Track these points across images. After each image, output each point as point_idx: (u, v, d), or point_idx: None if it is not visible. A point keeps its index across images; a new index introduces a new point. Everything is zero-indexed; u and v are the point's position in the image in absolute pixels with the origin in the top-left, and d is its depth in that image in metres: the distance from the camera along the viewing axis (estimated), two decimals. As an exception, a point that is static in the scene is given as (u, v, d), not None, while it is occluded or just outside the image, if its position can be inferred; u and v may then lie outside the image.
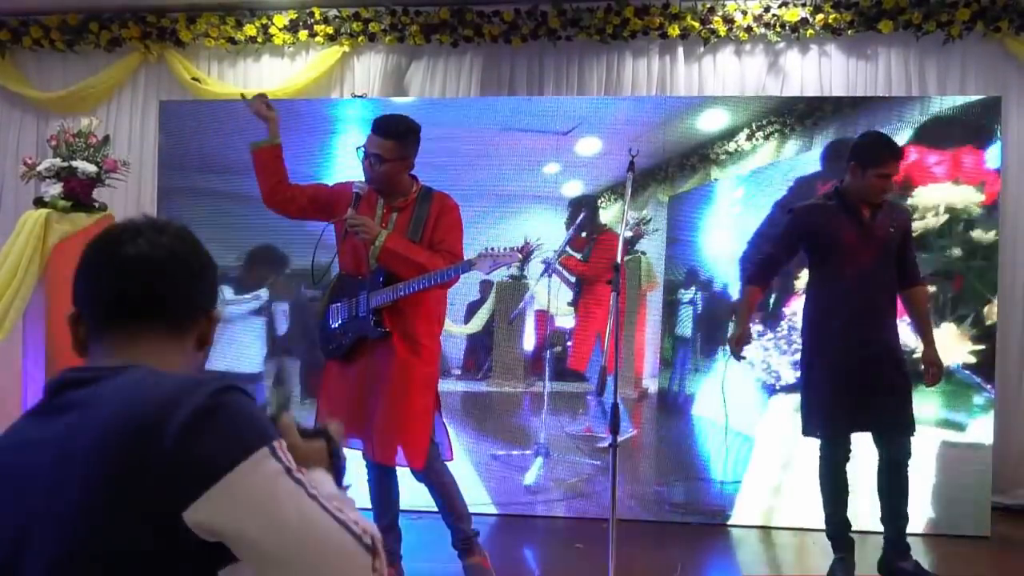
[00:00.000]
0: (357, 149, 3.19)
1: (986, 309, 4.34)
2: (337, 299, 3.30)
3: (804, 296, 3.65)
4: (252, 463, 1.03)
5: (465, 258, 3.10)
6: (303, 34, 5.43)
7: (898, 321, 3.55)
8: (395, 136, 3.13)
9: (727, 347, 3.72)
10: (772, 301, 4.48)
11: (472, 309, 4.76)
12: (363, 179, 3.19)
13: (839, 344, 3.41)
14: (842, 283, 3.42)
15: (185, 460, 1.01)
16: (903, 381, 3.47)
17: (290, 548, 1.03)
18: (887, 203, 3.51)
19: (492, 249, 3.02)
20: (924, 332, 3.62)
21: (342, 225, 3.15)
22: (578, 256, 4.66)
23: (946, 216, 4.36)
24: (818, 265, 3.52)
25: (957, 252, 4.35)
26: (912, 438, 3.48)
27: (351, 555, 1.08)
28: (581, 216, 4.60)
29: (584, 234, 4.63)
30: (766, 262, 3.61)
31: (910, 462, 3.49)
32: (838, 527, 3.54)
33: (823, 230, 3.44)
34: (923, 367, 3.58)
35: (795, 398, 4.42)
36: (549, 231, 4.63)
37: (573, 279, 4.66)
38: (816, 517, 4.34)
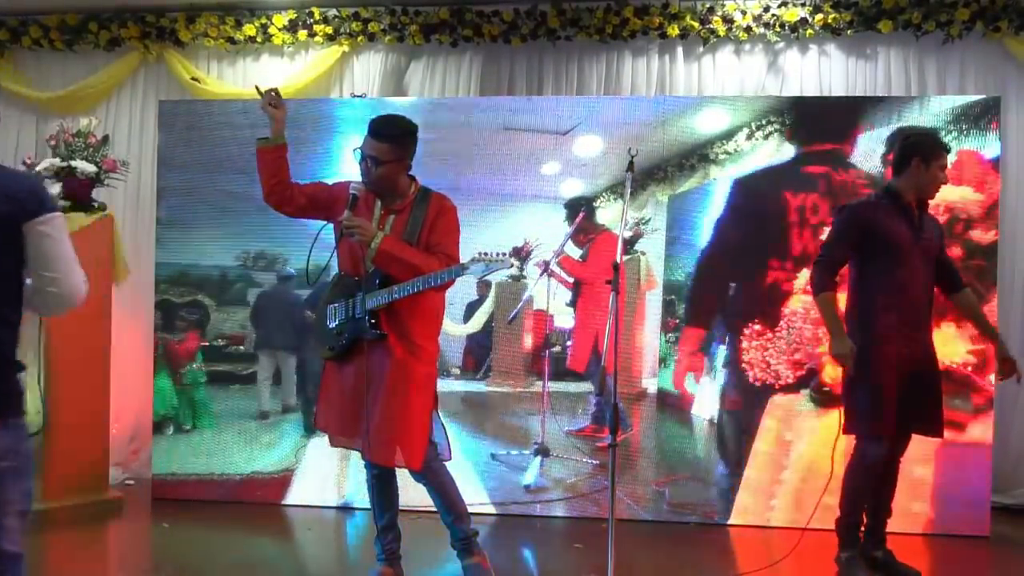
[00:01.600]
0: (354, 151, 3.16)
1: (985, 309, 4.34)
2: (335, 300, 3.28)
3: (855, 292, 3.55)
4: (60, 216, 2.15)
5: (460, 261, 3.07)
6: (302, 34, 5.44)
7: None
8: (391, 138, 3.10)
9: (834, 363, 3.63)
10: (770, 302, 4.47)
11: (471, 309, 4.76)
12: (360, 180, 3.17)
13: (897, 341, 3.43)
14: (897, 280, 3.45)
15: (32, 207, 2.08)
16: (941, 382, 3.60)
17: (60, 267, 2.12)
18: (927, 208, 3.61)
19: (485, 253, 2.96)
20: (989, 330, 3.77)
21: (340, 226, 3.13)
22: (576, 256, 4.66)
23: (946, 216, 4.35)
24: (870, 262, 3.50)
25: (957, 252, 4.35)
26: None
27: (80, 285, 2.18)
28: (579, 216, 4.60)
29: (582, 234, 4.63)
30: (830, 264, 3.52)
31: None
32: (855, 525, 3.59)
33: (880, 227, 3.47)
34: (999, 362, 3.64)
35: (794, 398, 4.44)
36: (548, 231, 4.63)
37: (571, 279, 4.66)
38: (814, 517, 4.34)
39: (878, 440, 3.45)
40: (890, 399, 3.41)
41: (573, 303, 4.68)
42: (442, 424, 3.30)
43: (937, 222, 3.75)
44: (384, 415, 3.09)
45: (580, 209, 4.61)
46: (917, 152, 3.50)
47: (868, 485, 3.53)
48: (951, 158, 4.18)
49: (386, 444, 3.11)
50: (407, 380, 3.11)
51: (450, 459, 3.32)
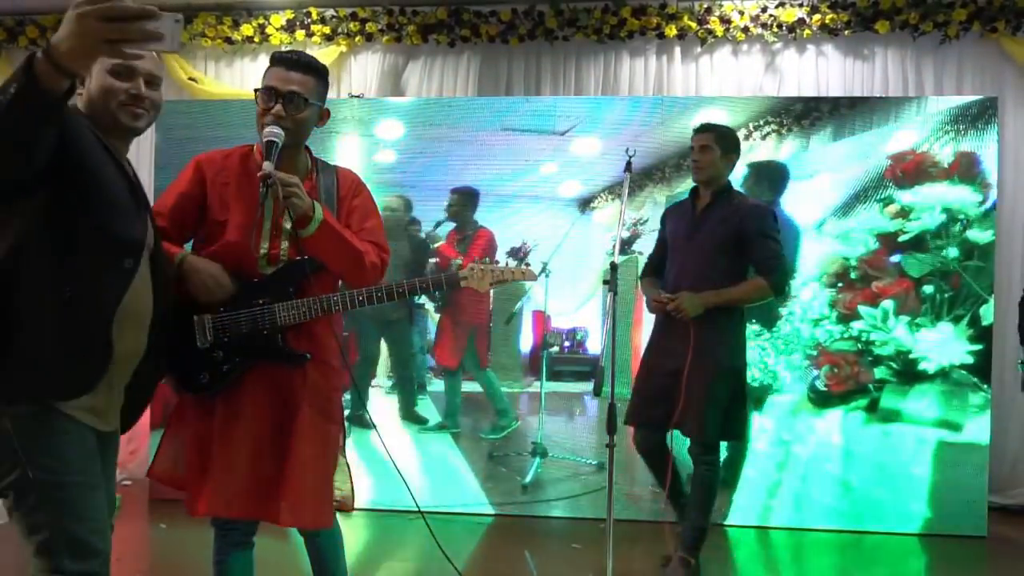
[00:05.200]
0: (256, 89, 2.31)
1: (983, 309, 4.35)
2: (205, 308, 2.28)
3: None
4: None
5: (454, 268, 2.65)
6: (300, 34, 5.43)
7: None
8: (316, 72, 2.34)
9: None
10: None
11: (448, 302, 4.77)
12: (269, 141, 2.22)
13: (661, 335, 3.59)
14: (667, 275, 3.63)
15: None
16: (710, 382, 3.49)
17: None
18: (731, 198, 3.58)
19: (497, 262, 2.42)
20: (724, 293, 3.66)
21: (217, 211, 2.33)
22: (457, 249, 4.65)
23: (943, 216, 4.36)
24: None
25: (954, 252, 4.36)
26: None
27: None
28: (451, 208, 4.63)
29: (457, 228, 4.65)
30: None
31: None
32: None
33: (667, 223, 3.72)
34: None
35: (793, 398, 4.44)
36: (547, 231, 4.63)
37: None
38: (814, 517, 4.35)
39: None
40: (637, 391, 3.52)
41: (445, 298, 4.72)
42: (347, 464, 2.65)
43: (742, 210, 3.47)
44: (306, 464, 2.24)
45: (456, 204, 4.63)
46: None
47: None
48: (949, 158, 4.19)
49: (314, 501, 2.28)
50: (327, 415, 2.33)
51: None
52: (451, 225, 4.66)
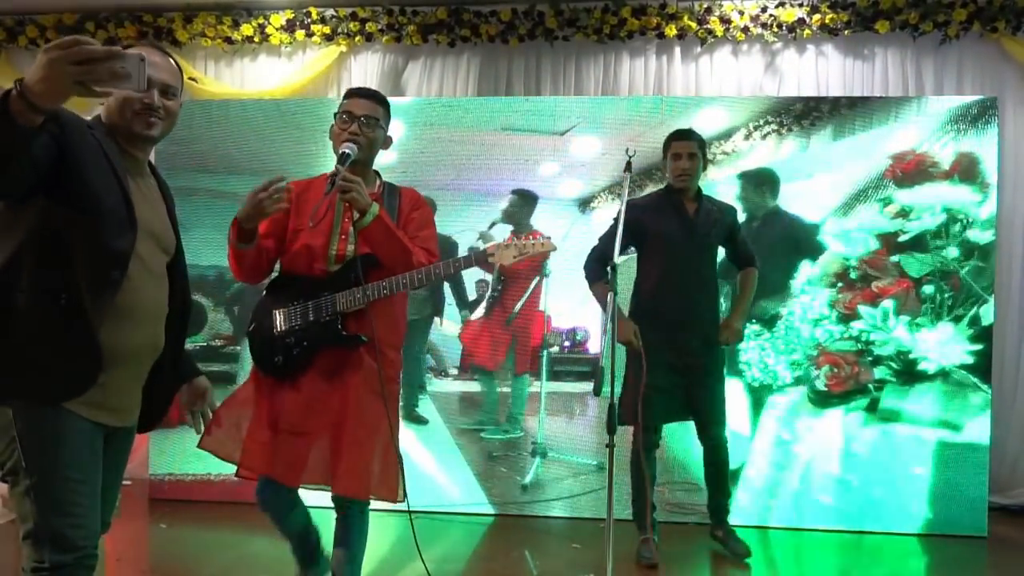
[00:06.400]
0: (336, 114, 2.76)
1: (983, 309, 4.35)
2: (282, 303, 2.75)
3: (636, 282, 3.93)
4: None
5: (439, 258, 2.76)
6: (300, 34, 5.43)
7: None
8: (383, 103, 2.76)
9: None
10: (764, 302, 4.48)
11: (471, 307, 4.76)
12: (344, 153, 2.64)
13: (661, 332, 3.80)
14: (664, 272, 3.84)
15: None
16: (713, 376, 3.93)
17: None
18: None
19: (516, 237, 2.70)
20: (738, 301, 4.05)
21: (295, 221, 2.74)
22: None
23: (943, 216, 4.36)
24: (640, 256, 3.92)
25: (954, 252, 4.36)
26: None
27: None
28: (508, 210, 4.62)
29: (513, 229, 4.63)
30: (600, 255, 3.83)
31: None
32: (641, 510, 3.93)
33: (647, 222, 3.82)
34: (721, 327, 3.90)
35: (791, 398, 4.44)
36: (547, 231, 4.61)
37: (493, 275, 4.64)
38: (812, 517, 4.35)
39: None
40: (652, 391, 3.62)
41: (493, 298, 4.69)
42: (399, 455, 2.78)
43: (724, 209, 3.86)
44: (356, 437, 2.62)
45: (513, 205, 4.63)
46: (662, 150, 3.81)
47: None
48: (949, 158, 4.19)
49: (361, 472, 2.63)
50: (380, 395, 2.64)
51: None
52: (506, 227, 4.65)
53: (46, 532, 1.90)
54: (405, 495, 2.74)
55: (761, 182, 4.53)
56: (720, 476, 3.90)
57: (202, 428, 2.40)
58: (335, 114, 2.75)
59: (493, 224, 4.63)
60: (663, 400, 3.69)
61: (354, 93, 2.77)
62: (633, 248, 3.87)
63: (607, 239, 3.71)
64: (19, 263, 1.85)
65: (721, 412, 3.85)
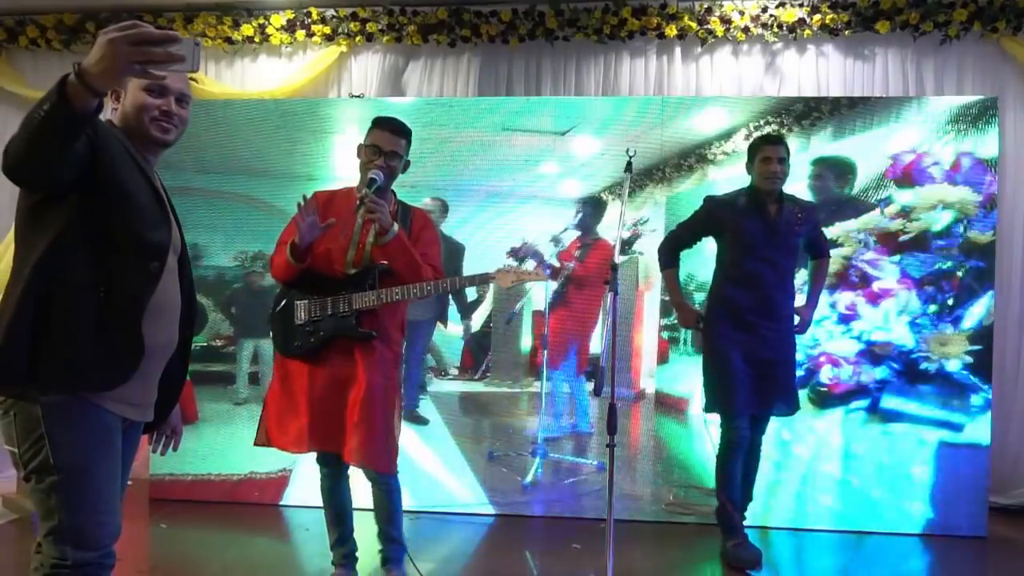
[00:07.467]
0: (361, 146, 3.18)
1: (983, 308, 4.35)
2: (306, 296, 3.18)
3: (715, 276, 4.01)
4: None
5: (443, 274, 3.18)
6: (300, 34, 5.43)
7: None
8: (407, 136, 3.17)
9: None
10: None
11: (470, 309, 4.76)
12: (372, 179, 3.06)
13: (741, 327, 3.86)
14: (746, 268, 3.87)
15: None
16: (789, 367, 3.96)
17: None
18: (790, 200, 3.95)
19: (515, 265, 3.14)
20: (809, 298, 4.09)
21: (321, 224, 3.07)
22: (575, 255, 4.65)
23: (943, 216, 4.36)
24: (721, 251, 3.97)
25: (954, 252, 4.36)
26: None
27: None
28: (579, 216, 4.61)
29: (580, 234, 4.63)
30: (674, 241, 4.03)
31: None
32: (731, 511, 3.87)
33: (729, 220, 3.88)
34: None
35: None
36: (546, 232, 4.63)
37: (560, 279, 4.64)
38: (812, 517, 4.35)
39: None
40: (735, 380, 3.71)
41: (557, 301, 4.69)
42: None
43: (807, 208, 3.94)
44: (374, 417, 3.06)
45: (581, 210, 4.62)
46: (748, 153, 3.88)
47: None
48: (950, 158, 4.19)
49: (373, 445, 3.07)
50: (389, 381, 3.14)
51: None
52: (574, 232, 4.66)
53: (71, 529, 1.92)
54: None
55: (830, 168, 4.52)
56: (755, 470, 3.95)
57: (167, 451, 2.44)
58: (362, 146, 3.17)
59: (565, 230, 4.65)
60: (745, 390, 3.73)
61: (382, 125, 3.15)
62: (711, 239, 3.97)
63: (685, 228, 3.94)
64: (57, 256, 1.89)
65: (796, 403, 3.88)
